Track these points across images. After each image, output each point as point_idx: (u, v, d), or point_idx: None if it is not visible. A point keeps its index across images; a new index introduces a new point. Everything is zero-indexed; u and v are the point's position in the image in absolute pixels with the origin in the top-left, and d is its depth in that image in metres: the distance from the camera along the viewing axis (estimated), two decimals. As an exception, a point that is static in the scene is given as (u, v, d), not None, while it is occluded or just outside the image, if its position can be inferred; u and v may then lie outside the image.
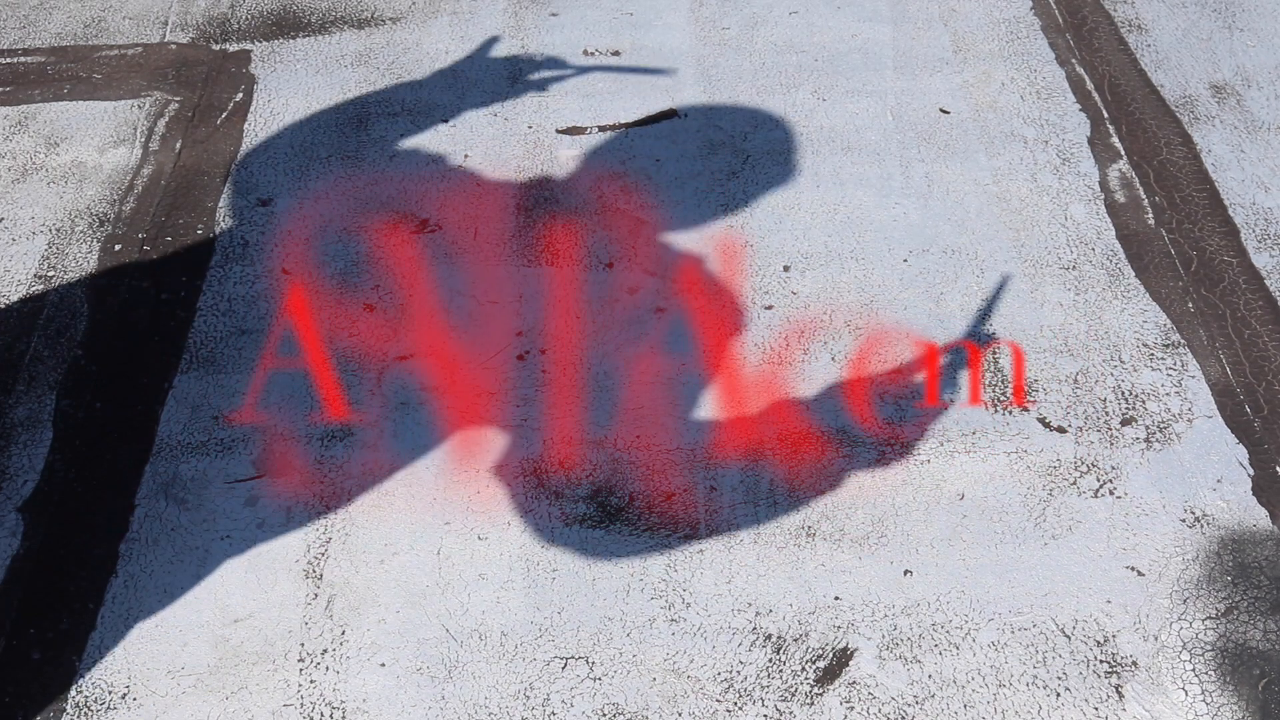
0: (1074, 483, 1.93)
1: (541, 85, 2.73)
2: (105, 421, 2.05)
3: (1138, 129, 2.57)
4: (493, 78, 2.75)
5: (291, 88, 2.73)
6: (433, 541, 1.88)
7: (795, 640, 1.75)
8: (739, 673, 1.72)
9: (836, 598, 1.80)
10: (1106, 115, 2.61)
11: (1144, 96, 2.64)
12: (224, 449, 2.01)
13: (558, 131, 2.60)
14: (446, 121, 2.63)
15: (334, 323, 2.21)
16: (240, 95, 2.71)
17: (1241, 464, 1.95)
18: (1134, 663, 1.71)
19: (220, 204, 2.45)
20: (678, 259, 2.31)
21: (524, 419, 2.04)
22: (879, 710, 1.67)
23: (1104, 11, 2.88)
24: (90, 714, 1.69)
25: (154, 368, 2.13)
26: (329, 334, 2.19)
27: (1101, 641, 1.74)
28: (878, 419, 2.03)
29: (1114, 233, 2.34)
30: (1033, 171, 2.48)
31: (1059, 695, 1.68)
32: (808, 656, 1.73)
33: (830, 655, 1.73)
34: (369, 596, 1.81)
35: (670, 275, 2.28)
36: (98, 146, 2.58)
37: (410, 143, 2.58)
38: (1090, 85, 2.68)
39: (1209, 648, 1.72)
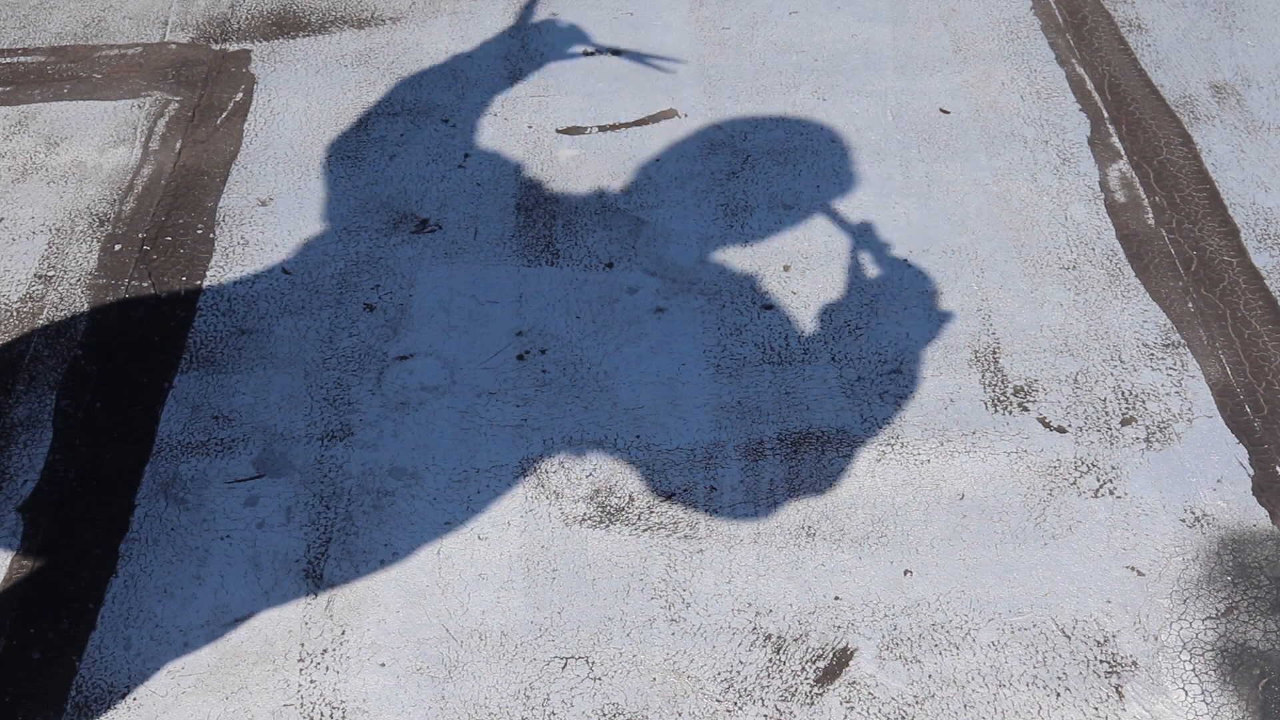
0: (1074, 483, 1.93)
1: (541, 85, 2.73)
2: (105, 421, 2.05)
3: (1138, 129, 2.57)
4: (493, 78, 2.75)
5: (291, 88, 2.73)
6: (433, 541, 1.88)
7: (795, 640, 1.75)
8: (739, 673, 1.72)
9: (836, 598, 1.80)
10: (1106, 115, 2.61)
11: (1144, 96, 2.64)
12: (224, 449, 2.01)
13: (558, 131, 2.60)
14: (446, 121, 2.63)
15: (334, 322, 2.21)
16: (240, 95, 2.71)
17: (1241, 464, 1.95)
18: (1134, 663, 1.71)
19: (220, 204, 2.45)
20: (678, 259, 2.32)
21: (524, 419, 2.04)
22: (879, 710, 1.67)
23: (1104, 11, 2.88)
24: (90, 714, 1.69)
25: (154, 368, 2.13)
26: (329, 334, 2.19)
27: (1101, 641, 1.74)
28: (878, 419, 2.03)
29: (1114, 233, 2.34)
30: (1033, 171, 2.48)
31: (1059, 695, 1.68)
32: (808, 656, 1.73)
33: (830, 655, 1.73)
34: (369, 596, 1.81)
35: (670, 275, 2.28)
36: (98, 146, 2.58)
37: (410, 143, 2.58)
38: (1090, 85, 2.68)
39: (1209, 648, 1.72)
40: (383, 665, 1.73)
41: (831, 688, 1.70)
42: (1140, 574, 1.81)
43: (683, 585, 1.82)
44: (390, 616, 1.79)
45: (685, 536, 1.88)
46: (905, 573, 1.82)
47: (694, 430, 2.02)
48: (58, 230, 2.39)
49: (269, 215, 2.42)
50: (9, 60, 2.81)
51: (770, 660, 1.73)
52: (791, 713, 1.67)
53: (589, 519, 1.90)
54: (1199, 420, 2.01)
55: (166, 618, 1.79)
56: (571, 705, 1.68)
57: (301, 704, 1.69)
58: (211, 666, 1.73)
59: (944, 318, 2.19)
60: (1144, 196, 2.41)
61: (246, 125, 2.63)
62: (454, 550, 1.87)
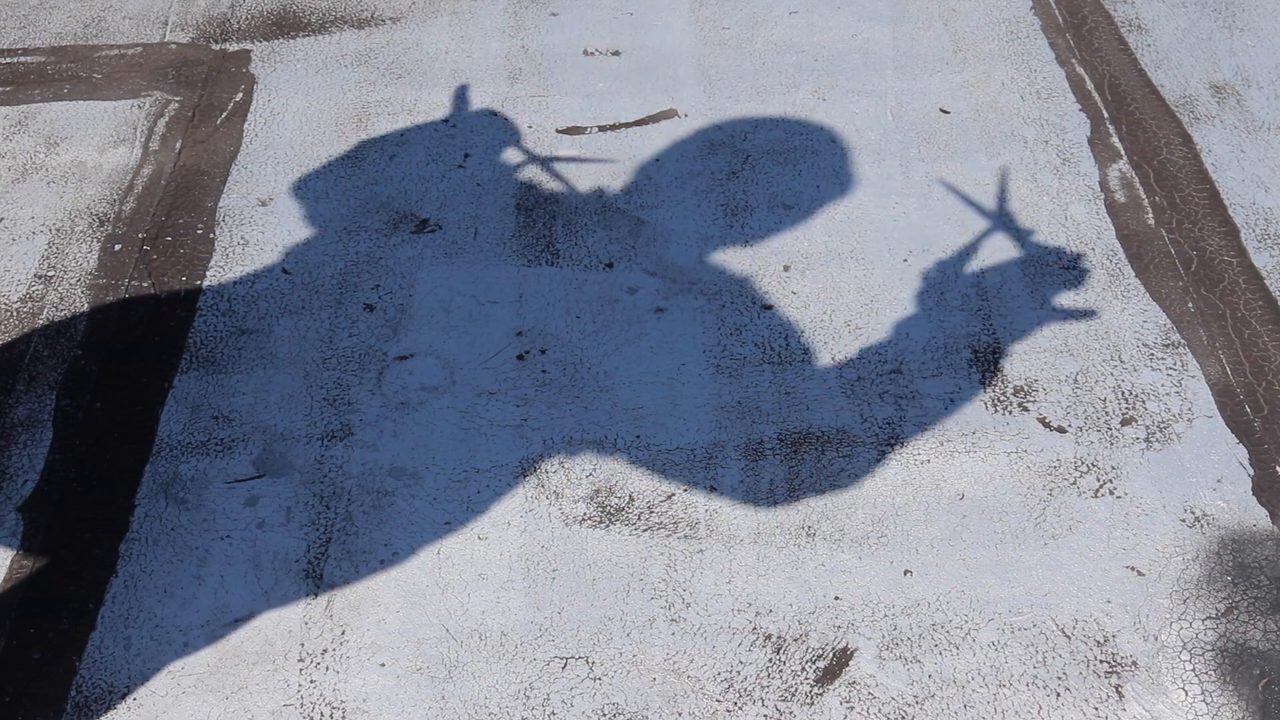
0: (1074, 483, 1.93)
1: (541, 85, 2.73)
2: (105, 421, 2.05)
3: (1138, 129, 2.57)
4: (493, 78, 2.75)
5: (291, 88, 2.73)
6: (433, 541, 1.88)
7: (795, 640, 1.75)
8: (739, 673, 1.72)
9: (836, 598, 1.80)
10: (1106, 115, 2.61)
11: (1144, 96, 2.64)
12: (224, 449, 2.01)
13: (558, 131, 2.60)
14: (446, 121, 2.63)
15: (334, 322, 2.21)
16: (240, 95, 2.71)
17: (1241, 464, 1.95)
18: (1134, 663, 1.71)
19: (220, 204, 2.45)
20: (677, 259, 2.32)
21: (524, 419, 2.04)
22: (879, 710, 1.67)
23: (1104, 11, 2.88)
24: (90, 714, 1.69)
25: (154, 368, 2.13)
26: (330, 334, 2.19)
27: (1101, 641, 1.74)
28: (878, 419, 2.03)
29: (1114, 233, 2.34)
30: (1033, 171, 2.48)
31: (1059, 695, 1.68)
32: (808, 656, 1.73)
33: (830, 655, 1.73)
34: (369, 596, 1.81)
35: (670, 275, 2.28)
36: (98, 146, 2.58)
37: (410, 143, 2.58)
38: (1090, 85, 2.68)
39: (1209, 648, 1.72)
40: (383, 665, 1.73)
41: (831, 688, 1.70)
42: (1140, 574, 1.81)
43: (683, 585, 1.82)
44: (390, 616, 1.79)
45: (685, 536, 1.88)
46: (905, 573, 1.83)
47: (694, 430, 2.02)
48: (58, 230, 2.39)
49: (269, 215, 2.42)
50: (9, 60, 2.81)
51: (770, 660, 1.73)
52: (791, 713, 1.67)
53: (589, 519, 1.90)
54: (1199, 420, 2.01)
55: (166, 618, 1.79)
56: (571, 705, 1.68)
57: (301, 704, 1.69)
58: (211, 666, 1.73)
59: (944, 318, 2.19)
60: (1144, 196, 2.41)
61: (246, 125, 2.63)
62: (454, 550, 1.87)
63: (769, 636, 1.75)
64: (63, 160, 2.55)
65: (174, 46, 2.85)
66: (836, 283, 2.26)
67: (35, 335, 2.19)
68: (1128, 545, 1.85)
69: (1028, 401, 2.05)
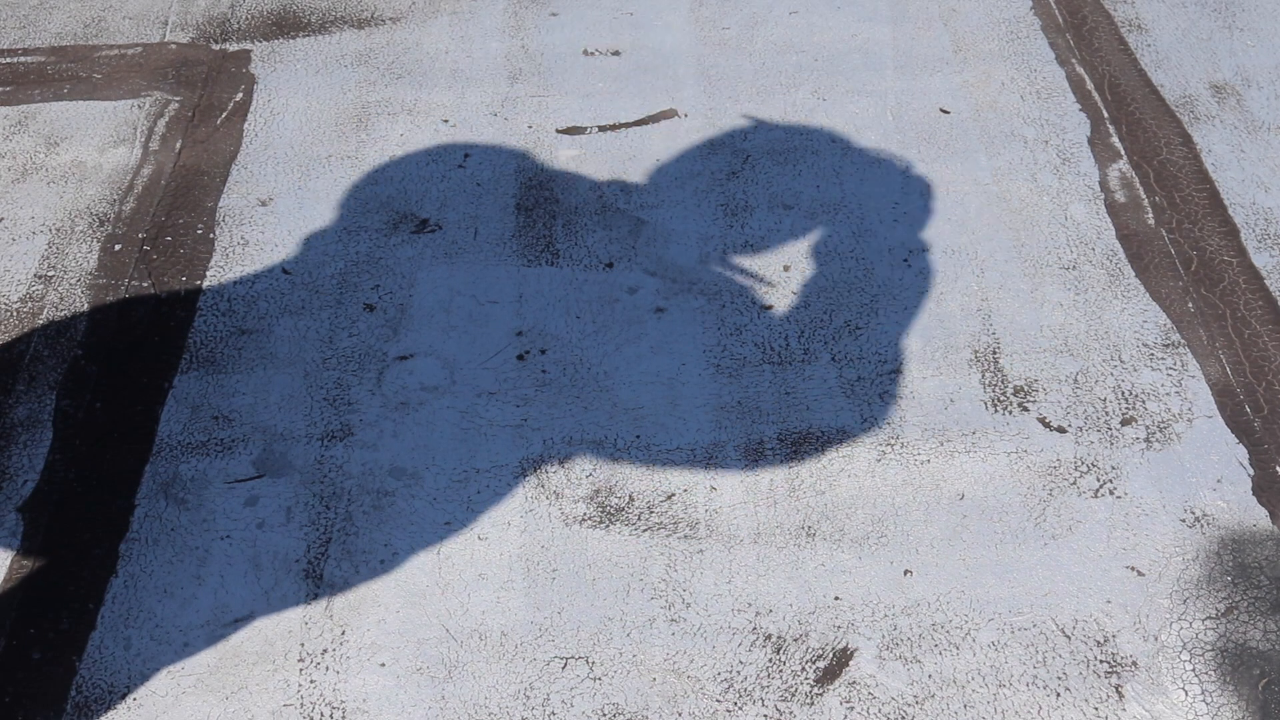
0: (1074, 483, 1.94)
1: (541, 85, 2.73)
2: (105, 421, 2.05)
3: (1138, 129, 2.57)
4: (493, 78, 2.75)
5: (291, 88, 2.73)
6: (433, 541, 1.88)
7: (795, 640, 1.75)
8: (739, 673, 1.72)
9: (836, 598, 1.80)
10: (1106, 115, 2.61)
11: (1144, 96, 2.65)
12: (224, 449, 2.01)
13: (558, 131, 2.61)
14: (446, 121, 2.63)
15: (334, 322, 2.21)
16: (240, 95, 2.71)
17: (1241, 464, 1.95)
18: (1134, 663, 1.71)
19: (220, 204, 2.45)
20: (678, 259, 2.32)
21: (524, 419, 2.04)
22: (879, 710, 1.67)
23: (1104, 11, 2.88)
24: (90, 714, 1.69)
25: (154, 368, 2.13)
26: (330, 334, 2.19)
27: (1101, 641, 1.74)
28: (878, 419, 2.03)
29: (1114, 233, 2.34)
30: (1033, 171, 2.48)
31: (1059, 695, 1.68)
32: (808, 656, 1.73)
33: (830, 655, 1.73)
34: (369, 596, 1.81)
35: (670, 275, 2.28)
36: (98, 146, 2.58)
37: (410, 143, 2.58)
38: (1090, 85, 2.68)
39: (1209, 648, 1.72)
40: (383, 665, 1.73)
41: (831, 688, 1.70)
42: (1140, 574, 1.82)
43: (683, 585, 1.82)
44: (390, 616, 1.79)
45: (685, 536, 1.88)
46: (905, 573, 1.83)
47: (694, 430, 2.02)
48: (58, 230, 2.39)
49: (269, 215, 2.42)
50: (9, 60, 2.81)
51: (770, 660, 1.73)
52: (791, 713, 1.67)
53: (589, 519, 1.90)
54: (1199, 420, 2.01)
55: (166, 618, 1.79)
56: (571, 705, 1.68)
57: (301, 704, 1.69)
58: (211, 666, 1.73)
59: (944, 318, 2.19)
60: (1144, 196, 2.41)
61: (246, 125, 2.63)
62: (454, 550, 1.87)
63: (769, 636, 1.75)
64: (63, 160, 2.55)
65: (174, 46, 2.85)
66: (836, 283, 2.26)
67: (35, 335, 2.19)
68: (1128, 545, 1.85)
69: (1028, 401, 2.05)
